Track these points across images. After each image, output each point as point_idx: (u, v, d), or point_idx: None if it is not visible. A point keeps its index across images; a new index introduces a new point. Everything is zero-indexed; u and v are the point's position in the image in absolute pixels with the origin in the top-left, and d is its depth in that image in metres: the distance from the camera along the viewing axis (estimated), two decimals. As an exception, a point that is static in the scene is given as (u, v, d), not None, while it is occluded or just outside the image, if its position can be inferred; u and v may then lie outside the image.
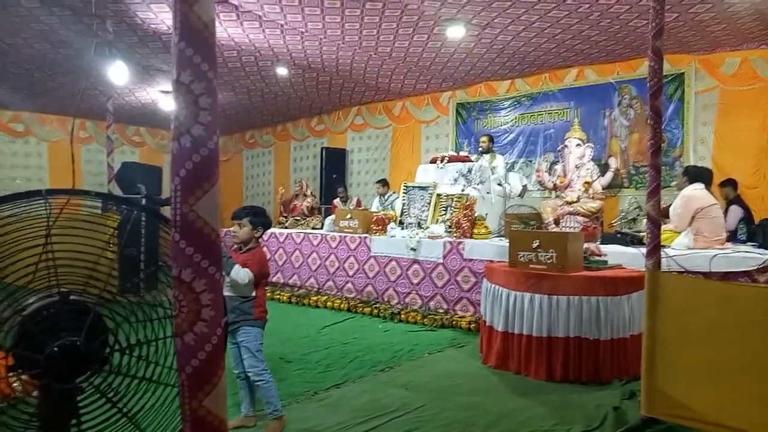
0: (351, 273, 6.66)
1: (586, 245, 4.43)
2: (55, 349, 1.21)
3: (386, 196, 8.25)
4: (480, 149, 7.70)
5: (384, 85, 9.18)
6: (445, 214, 6.44)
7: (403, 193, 7.02)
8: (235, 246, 3.11)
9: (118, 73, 6.28)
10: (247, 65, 8.12)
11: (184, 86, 0.99)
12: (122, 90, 8.84)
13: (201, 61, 0.99)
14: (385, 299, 6.27)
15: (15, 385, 1.40)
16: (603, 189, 6.31)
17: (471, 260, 5.60)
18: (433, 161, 7.21)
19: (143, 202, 7.07)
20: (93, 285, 1.30)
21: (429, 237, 6.03)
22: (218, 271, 1.00)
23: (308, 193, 8.72)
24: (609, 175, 6.41)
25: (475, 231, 5.96)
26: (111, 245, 1.36)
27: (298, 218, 8.34)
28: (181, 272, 0.98)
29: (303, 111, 11.27)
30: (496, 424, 3.10)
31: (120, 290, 1.40)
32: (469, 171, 6.73)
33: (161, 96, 9.66)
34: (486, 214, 6.23)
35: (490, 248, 5.51)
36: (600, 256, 4.55)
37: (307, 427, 3.04)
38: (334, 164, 10.68)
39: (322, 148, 10.93)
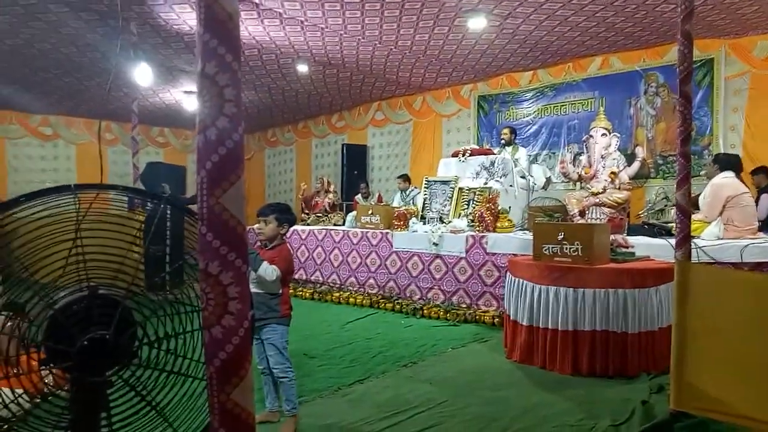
0: (373, 269, 6.67)
1: (612, 237, 4.35)
2: (85, 342, 1.23)
3: (408, 191, 8.23)
4: (502, 141, 7.63)
5: (404, 79, 9.14)
6: (467, 208, 6.40)
7: (425, 187, 6.99)
8: (259, 243, 3.13)
9: (142, 74, 6.38)
10: (267, 63, 8.17)
11: (209, 78, 0.99)
12: (146, 91, 8.98)
13: (225, 52, 0.99)
14: (408, 294, 6.26)
15: (47, 380, 1.43)
16: (629, 179, 6.19)
17: (494, 254, 5.55)
18: (455, 155, 7.17)
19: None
20: (121, 279, 1.32)
21: (451, 231, 6.00)
22: (245, 263, 1.00)
23: (330, 189, 8.75)
24: (635, 165, 6.28)
25: (498, 224, 5.91)
26: (138, 239, 1.38)
27: (320, 215, 8.38)
28: (208, 265, 0.98)
29: (324, 108, 11.30)
30: (521, 419, 3.07)
31: (148, 285, 1.42)
32: (492, 164, 6.67)
33: (185, 96, 9.79)
34: (509, 208, 6.17)
35: (513, 242, 5.46)
36: (627, 247, 4.47)
37: (331, 423, 3.05)
38: (355, 160, 10.69)
39: (342, 145, 10.94)
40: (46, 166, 11.24)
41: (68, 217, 1.27)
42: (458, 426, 3.00)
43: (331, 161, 11.87)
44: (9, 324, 1.69)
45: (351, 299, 6.56)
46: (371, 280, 6.67)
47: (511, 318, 4.32)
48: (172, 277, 1.44)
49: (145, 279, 1.39)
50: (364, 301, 6.43)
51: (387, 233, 6.58)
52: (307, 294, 7.03)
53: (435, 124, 9.98)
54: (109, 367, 1.29)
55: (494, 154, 7.02)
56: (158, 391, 1.33)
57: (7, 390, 1.66)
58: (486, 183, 6.50)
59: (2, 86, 8.74)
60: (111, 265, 1.31)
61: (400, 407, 3.24)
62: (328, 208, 8.46)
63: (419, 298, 6.13)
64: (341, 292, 6.78)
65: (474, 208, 6.25)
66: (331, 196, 8.61)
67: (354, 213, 7.52)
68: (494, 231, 5.84)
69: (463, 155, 6.96)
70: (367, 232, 6.81)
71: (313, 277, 7.36)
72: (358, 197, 9.20)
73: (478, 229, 5.95)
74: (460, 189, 6.59)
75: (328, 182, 8.93)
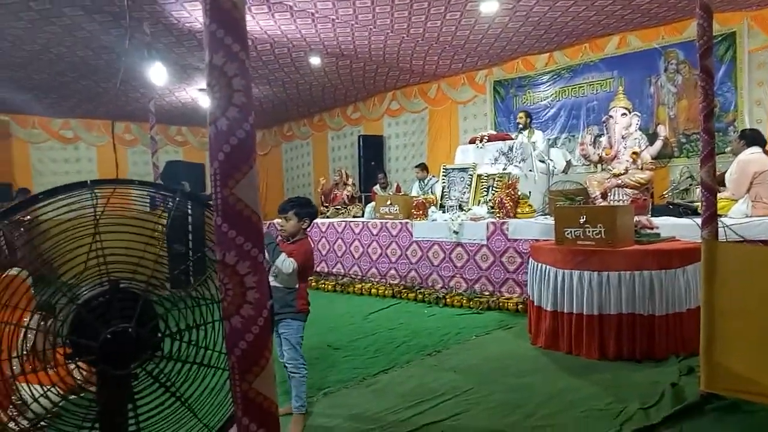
0: (394, 259, 6.66)
1: (636, 218, 4.27)
2: (108, 336, 1.25)
3: (426, 180, 8.19)
4: (519, 126, 7.54)
5: (418, 67, 9.07)
6: (486, 194, 6.34)
7: (443, 175, 6.95)
8: (281, 238, 3.14)
9: (157, 73, 6.44)
10: (280, 57, 8.17)
11: (217, 68, 0.99)
12: (162, 91, 9.07)
13: (232, 42, 0.99)
14: (430, 284, 6.24)
15: (75, 375, 1.46)
16: (652, 159, 6.05)
17: (516, 240, 5.50)
18: (472, 141, 7.10)
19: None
20: (141, 273, 1.33)
21: (471, 219, 5.95)
22: (261, 253, 1.00)
23: (348, 182, 8.75)
24: (658, 144, 6.14)
25: (519, 210, 5.84)
26: (158, 233, 1.39)
27: (339, 207, 8.39)
28: (225, 256, 0.98)
29: (338, 100, 11.29)
30: (547, 405, 3.04)
31: (170, 280, 1.43)
32: (510, 149, 6.59)
33: (200, 94, 9.86)
34: (529, 193, 6.10)
35: (535, 227, 5.39)
36: (651, 228, 4.38)
37: (357, 413, 3.06)
38: (372, 151, 10.67)
39: (359, 136, 10.93)
40: (70, 169, 11.46)
41: (88, 214, 1.29)
42: (484, 413, 2.99)
43: (348, 153, 11.87)
44: (41, 322, 1.72)
45: (373, 290, 6.57)
46: (392, 271, 6.67)
47: (535, 304, 4.27)
48: (194, 271, 1.45)
49: (168, 274, 1.40)
50: (386, 292, 6.42)
51: (406, 223, 6.56)
52: (330, 286, 7.05)
53: (451, 111, 9.89)
54: (133, 360, 1.31)
55: (512, 139, 6.94)
56: (182, 383, 1.34)
57: (37, 386, 1.69)
58: (505, 168, 6.43)
59: (24, 92, 8.91)
60: (131, 259, 1.32)
61: (425, 396, 3.23)
62: (347, 201, 8.46)
63: (441, 287, 6.11)
64: (363, 284, 6.79)
65: (493, 194, 6.19)
66: (349, 188, 8.61)
67: (373, 204, 7.51)
68: (515, 217, 5.78)
69: (481, 141, 6.89)
70: (387, 222, 6.80)
71: (334, 270, 7.39)
72: (377, 188, 9.19)
73: (498, 215, 5.89)
74: (479, 176, 6.53)
75: (347, 175, 8.92)
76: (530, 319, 4.40)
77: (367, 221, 7.15)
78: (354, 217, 7.88)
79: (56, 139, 11.35)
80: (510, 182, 6.05)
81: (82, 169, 11.57)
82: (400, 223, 6.63)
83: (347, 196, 8.50)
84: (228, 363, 1.00)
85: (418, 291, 6.16)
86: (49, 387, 1.36)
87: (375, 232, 6.92)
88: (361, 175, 10.34)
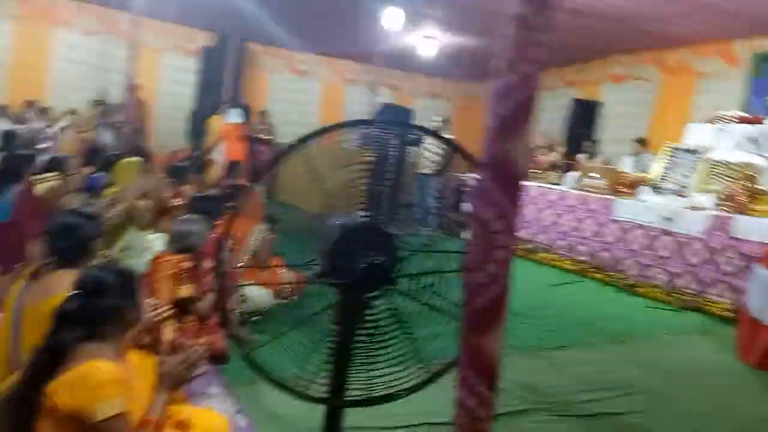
0: (587, 235, 6.29)
1: None
2: (363, 265, 1.41)
3: (642, 156, 7.46)
4: (771, 109, 6.35)
5: (659, 29, 7.99)
6: (715, 183, 5.57)
7: (665, 154, 6.26)
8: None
9: (390, 17, 6.67)
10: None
11: (521, 19, 0.96)
12: (388, 34, 9.45)
13: None
14: (623, 268, 5.79)
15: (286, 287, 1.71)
16: None
17: (740, 239, 4.78)
18: (713, 121, 6.22)
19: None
20: (390, 212, 1.49)
21: (690, 207, 5.32)
22: (517, 215, 1.00)
23: (555, 148, 8.36)
24: None
25: (754, 206, 5.04)
26: (412, 181, 1.53)
27: (538, 171, 8.10)
28: (482, 210, 0.99)
29: (558, 60, 10.58)
30: (750, 429, 2.71)
31: (416, 222, 1.57)
32: (761, 135, 5.63)
33: (424, 41, 10.02)
34: (772, 189, 5.20)
35: (768, 228, 4.62)
36: None
37: (530, 382, 3.04)
38: (584, 117, 9.96)
39: (572, 99, 10.26)
40: (298, 100, 12.66)
41: (353, 150, 1.46)
42: (667, 418, 2.79)
43: (558, 116, 11.22)
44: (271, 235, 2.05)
45: (557, 262, 6.34)
46: (583, 247, 6.32)
47: (753, 315, 3.74)
48: (441, 218, 1.57)
49: (414, 216, 1.54)
50: (572, 267, 6.16)
51: (610, 199, 6.11)
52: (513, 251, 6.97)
53: (689, 83, 8.65)
54: (372, 290, 1.47)
55: (763, 123, 5.90)
56: (411, 320, 1.48)
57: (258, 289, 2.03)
58: (747, 158, 5.54)
59: (274, 25, 9.97)
60: (387, 197, 1.47)
61: (603, 384, 3.10)
62: (548, 166, 8.13)
63: (636, 275, 5.64)
64: (548, 254, 6.59)
65: (725, 184, 5.41)
66: (555, 154, 8.23)
67: (575, 173, 7.12)
68: (747, 213, 5.00)
69: (724, 122, 6.00)
70: (588, 195, 6.41)
71: (520, 234, 7.23)
72: (582, 156, 8.64)
73: (725, 208, 5.16)
74: (711, 161, 5.73)
75: (554, 139, 8.51)
76: (741, 331, 3.88)
77: (565, 190, 6.83)
78: (552, 183, 7.56)
79: (291, 72, 12.66)
80: (750, 173, 5.22)
81: (307, 101, 12.76)
82: (603, 198, 6.19)
83: (550, 161, 8.15)
84: (462, 314, 1.04)
85: (608, 273, 5.78)
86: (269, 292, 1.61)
87: (572, 203, 6.58)
88: (568, 141, 9.76)
